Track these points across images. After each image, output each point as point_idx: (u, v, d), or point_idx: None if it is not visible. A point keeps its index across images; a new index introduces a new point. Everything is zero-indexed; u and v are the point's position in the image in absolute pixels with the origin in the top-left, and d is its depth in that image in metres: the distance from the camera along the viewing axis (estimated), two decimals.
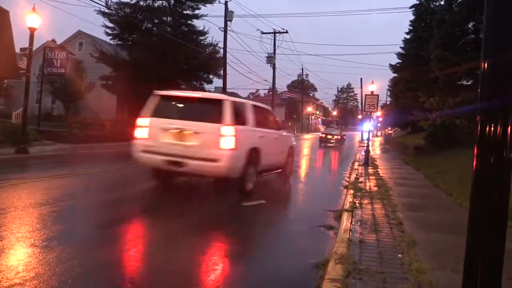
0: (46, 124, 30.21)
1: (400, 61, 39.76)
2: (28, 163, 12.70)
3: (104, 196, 8.38)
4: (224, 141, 7.83)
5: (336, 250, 4.95)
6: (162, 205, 7.75)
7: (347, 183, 11.40)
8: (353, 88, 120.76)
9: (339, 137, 32.00)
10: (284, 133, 11.90)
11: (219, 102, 8.27)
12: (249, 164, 8.41)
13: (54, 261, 4.34)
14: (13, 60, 21.79)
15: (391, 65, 41.70)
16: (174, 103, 9.11)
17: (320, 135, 31.09)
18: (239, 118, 8.41)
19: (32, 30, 14.03)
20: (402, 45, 38.50)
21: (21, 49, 27.32)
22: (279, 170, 11.09)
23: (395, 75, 42.98)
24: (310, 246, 5.64)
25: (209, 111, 8.33)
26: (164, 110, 8.63)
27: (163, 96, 8.80)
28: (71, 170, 11.27)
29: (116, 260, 4.57)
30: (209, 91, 43.44)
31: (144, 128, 8.53)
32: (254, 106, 9.87)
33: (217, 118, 7.99)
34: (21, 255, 4.54)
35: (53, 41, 37.90)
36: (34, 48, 15.45)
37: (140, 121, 8.65)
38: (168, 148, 8.07)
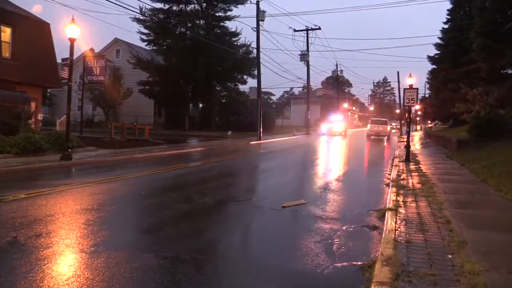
0: (88, 131, 31.27)
1: (439, 52, 38.40)
2: (73, 169, 13.14)
3: (147, 200, 8.53)
4: (387, 129, 36.57)
5: (382, 251, 4.81)
6: (198, 211, 7.81)
7: (388, 181, 11.12)
8: (389, 82, 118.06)
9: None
10: (389, 127, 40.67)
11: (385, 120, 38.78)
12: (389, 135, 37.72)
13: (102, 267, 4.44)
14: (55, 70, 22.65)
15: (429, 57, 40.36)
16: (375, 119, 39.45)
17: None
18: (389, 124, 38.93)
19: (72, 41, 14.48)
20: (440, 36, 37.23)
21: (62, 60, 28.34)
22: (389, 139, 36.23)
23: (434, 66, 41.59)
24: (354, 247, 5.51)
25: (383, 122, 37.42)
26: (373, 121, 37.92)
27: (372, 119, 39.93)
28: (113, 175, 11.56)
29: (162, 264, 4.62)
30: (244, 92, 43.70)
31: (369, 126, 37.01)
32: (388, 120, 40.65)
33: (385, 124, 36.90)
34: (70, 261, 4.68)
35: (92, 50, 39.07)
36: (74, 57, 15.95)
37: (368, 125, 37.71)
38: (375, 131, 35.62)
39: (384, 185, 10.71)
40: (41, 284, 3.96)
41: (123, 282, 4.07)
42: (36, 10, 22.68)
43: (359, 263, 4.76)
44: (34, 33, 20.24)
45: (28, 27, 19.90)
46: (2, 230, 5.68)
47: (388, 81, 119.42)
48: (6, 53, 18.94)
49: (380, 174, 13.46)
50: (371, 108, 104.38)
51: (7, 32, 19.01)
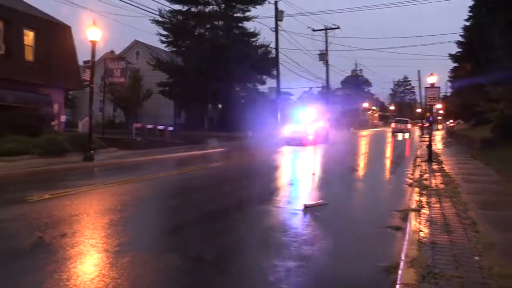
0: (109, 132, 31.61)
1: (461, 50, 37.73)
2: (96, 170, 13.34)
3: (170, 201, 8.61)
4: (408, 127, 48.34)
5: (407, 253, 4.73)
6: (225, 211, 7.83)
7: (411, 181, 10.96)
8: (410, 81, 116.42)
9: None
10: (410, 125, 50.85)
11: (407, 120, 51.98)
12: (410, 131, 49.48)
13: (127, 266, 4.49)
14: (77, 73, 23.03)
15: (450, 55, 39.64)
16: (398, 119, 53.20)
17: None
18: (409, 123, 50.07)
19: (93, 43, 14.69)
20: (462, 33, 36.56)
21: (84, 62, 28.79)
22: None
23: (455, 64, 40.89)
24: (378, 249, 5.44)
25: (405, 121, 50.23)
26: (396, 120, 51.52)
27: (396, 119, 55.08)
28: (135, 175, 11.69)
29: (186, 265, 4.65)
30: (263, 92, 43.67)
31: (393, 125, 49.50)
32: (409, 120, 54.32)
33: (407, 123, 48.62)
34: (95, 261, 4.74)
35: (112, 52, 39.65)
36: (95, 59, 16.17)
37: (392, 124, 50.44)
38: (398, 128, 45.77)
39: (407, 185, 10.54)
40: (68, 283, 4.02)
41: (148, 282, 4.11)
42: (57, 13, 23.09)
43: (383, 264, 4.69)
44: (56, 36, 20.60)
45: (50, 30, 20.27)
46: (28, 230, 5.80)
47: (408, 80, 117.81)
48: (30, 57, 19.34)
49: (402, 174, 13.28)
50: (392, 108, 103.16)
51: (30, 36, 19.41)
